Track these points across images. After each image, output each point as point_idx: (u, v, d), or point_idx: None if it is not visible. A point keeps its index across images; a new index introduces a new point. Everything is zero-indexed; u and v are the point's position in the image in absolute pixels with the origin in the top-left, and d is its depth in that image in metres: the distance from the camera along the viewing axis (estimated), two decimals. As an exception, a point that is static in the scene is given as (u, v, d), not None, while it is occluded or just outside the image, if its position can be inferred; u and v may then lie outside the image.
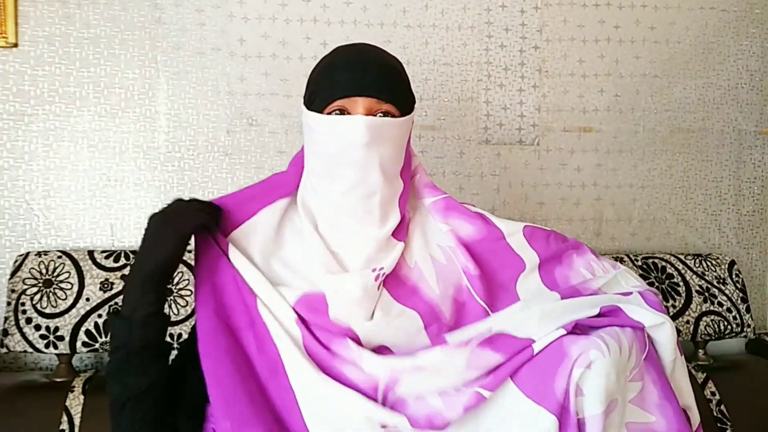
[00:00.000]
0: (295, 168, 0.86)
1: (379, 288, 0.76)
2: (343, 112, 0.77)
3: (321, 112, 0.78)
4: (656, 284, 1.45)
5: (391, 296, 0.78)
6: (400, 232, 0.81)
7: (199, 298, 0.76)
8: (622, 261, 1.47)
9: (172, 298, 1.29)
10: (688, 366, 1.41)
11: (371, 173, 0.77)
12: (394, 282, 0.79)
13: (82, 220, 1.38)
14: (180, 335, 1.27)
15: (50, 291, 1.25)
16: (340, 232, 0.79)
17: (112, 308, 0.77)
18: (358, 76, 0.77)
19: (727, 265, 1.52)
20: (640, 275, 1.45)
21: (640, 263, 1.48)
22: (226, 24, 1.42)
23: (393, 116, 0.78)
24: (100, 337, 1.25)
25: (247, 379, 0.72)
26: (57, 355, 1.26)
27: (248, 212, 0.83)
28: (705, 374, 1.39)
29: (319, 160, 0.79)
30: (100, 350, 1.25)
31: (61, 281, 1.27)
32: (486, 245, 0.84)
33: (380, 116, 0.77)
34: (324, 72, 0.80)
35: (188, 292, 1.29)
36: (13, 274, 1.26)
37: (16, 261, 1.28)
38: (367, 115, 0.76)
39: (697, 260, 1.51)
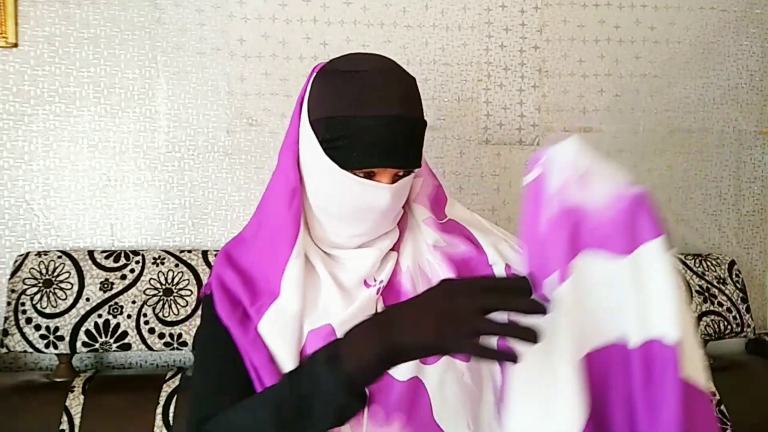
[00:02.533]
0: (277, 202, 0.83)
1: (377, 300, 0.80)
2: (369, 174, 0.76)
3: (344, 167, 0.75)
4: (656, 284, 1.45)
5: (384, 305, 0.80)
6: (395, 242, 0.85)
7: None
8: (622, 261, 1.47)
9: (172, 298, 1.29)
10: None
11: (384, 224, 0.81)
12: (389, 288, 0.81)
13: (82, 220, 1.38)
14: (180, 335, 1.27)
15: (50, 291, 1.26)
16: (340, 252, 0.82)
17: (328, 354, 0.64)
18: (390, 142, 0.74)
19: (727, 265, 1.52)
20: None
21: (640, 263, 1.48)
22: (226, 24, 1.42)
23: (412, 170, 0.79)
24: (101, 337, 1.25)
25: None
26: (57, 355, 1.26)
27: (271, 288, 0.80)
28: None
29: (333, 206, 0.79)
30: (100, 350, 1.25)
31: (61, 281, 1.27)
32: (471, 264, 0.85)
33: (400, 175, 0.78)
34: (349, 123, 0.73)
35: (188, 292, 1.30)
36: (13, 274, 1.26)
37: (16, 261, 1.28)
38: (392, 182, 0.76)
39: (697, 260, 1.51)
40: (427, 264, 0.84)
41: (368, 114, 0.73)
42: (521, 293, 0.58)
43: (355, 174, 0.75)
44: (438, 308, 0.59)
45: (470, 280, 0.64)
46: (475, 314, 0.57)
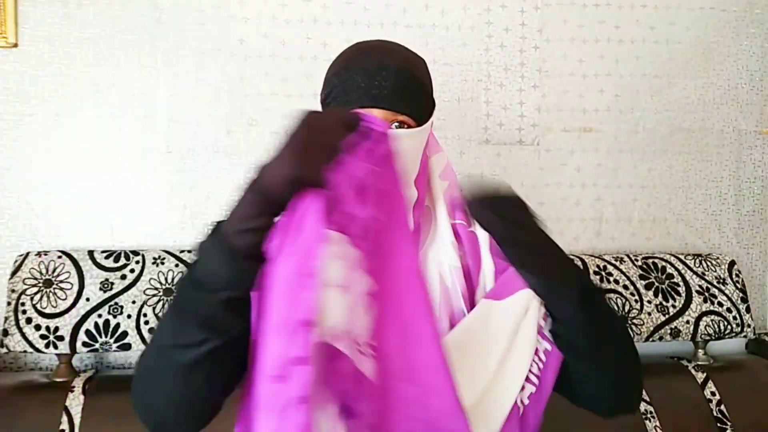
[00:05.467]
0: None
1: None
2: None
3: None
4: (656, 284, 1.45)
5: None
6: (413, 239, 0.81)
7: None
8: (622, 261, 1.47)
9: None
10: (687, 366, 1.42)
11: None
12: None
13: (82, 220, 1.38)
14: (180, 335, 1.27)
15: (50, 291, 1.25)
16: None
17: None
18: (374, 85, 0.75)
19: (727, 265, 1.52)
20: (640, 275, 1.46)
21: (640, 263, 1.48)
22: (226, 24, 1.42)
23: (409, 126, 0.77)
24: (100, 337, 1.25)
25: None
26: (57, 355, 1.26)
27: None
28: (705, 374, 1.39)
29: None
30: (100, 350, 1.25)
31: (61, 281, 1.27)
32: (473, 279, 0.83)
33: (395, 127, 0.76)
34: (340, 75, 0.78)
35: (188, 292, 1.29)
36: (13, 274, 1.26)
37: (16, 261, 1.28)
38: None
39: (697, 260, 1.51)
40: (446, 267, 0.80)
41: (356, 65, 0.77)
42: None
43: None
44: (298, 139, 0.61)
45: (334, 114, 0.67)
46: (335, 147, 0.62)
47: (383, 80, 0.75)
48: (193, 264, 0.64)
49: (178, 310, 0.64)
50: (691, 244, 1.60)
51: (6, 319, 1.24)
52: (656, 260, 1.49)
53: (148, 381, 0.67)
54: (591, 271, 1.44)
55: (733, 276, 1.50)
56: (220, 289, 0.61)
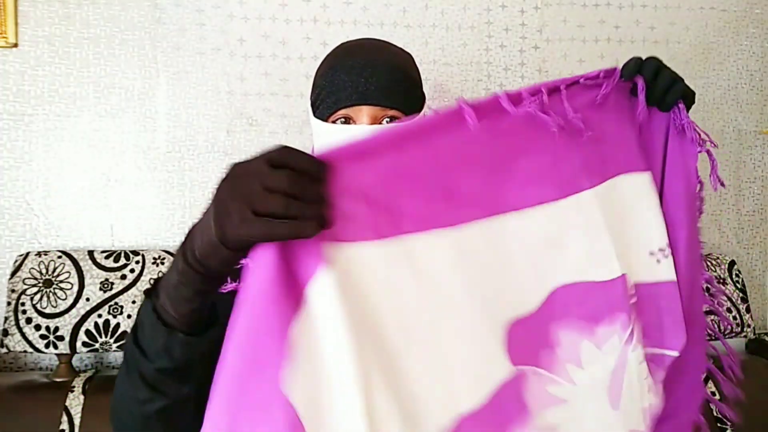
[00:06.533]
0: None
1: None
2: (347, 120, 0.76)
3: (326, 119, 0.77)
4: (656, 284, 1.45)
5: None
6: None
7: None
8: (622, 261, 1.47)
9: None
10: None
11: None
12: None
13: (82, 220, 1.38)
14: (180, 335, 1.27)
15: (50, 291, 1.26)
16: None
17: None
18: (361, 82, 0.75)
19: (727, 265, 1.51)
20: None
21: (640, 263, 1.48)
22: (226, 24, 1.42)
23: (400, 121, 0.77)
24: (101, 337, 1.25)
25: None
26: (57, 355, 1.26)
27: None
28: (705, 374, 1.38)
29: None
30: (100, 350, 1.25)
31: (61, 281, 1.27)
32: None
33: (386, 122, 0.76)
34: (327, 76, 0.78)
35: (188, 292, 1.29)
36: (13, 274, 1.26)
37: (16, 261, 1.28)
38: (372, 123, 0.75)
39: (697, 260, 1.51)
40: None
41: (342, 65, 0.77)
42: (313, 179, 0.50)
43: (333, 124, 0.77)
44: (220, 196, 0.50)
45: (260, 157, 0.50)
46: (261, 194, 0.48)
47: (370, 77, 0.75)
48: (138, 312, 0.59)
49: (127, 361, 0.59)
50: (691, 244, 1.60)
51: (6, 319, 1.24)
52: (656, 260, 1.49)
53: (117, 417, 0.64)
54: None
55: (733, 276, 1.50)
56: (155, 358, 0.56)
